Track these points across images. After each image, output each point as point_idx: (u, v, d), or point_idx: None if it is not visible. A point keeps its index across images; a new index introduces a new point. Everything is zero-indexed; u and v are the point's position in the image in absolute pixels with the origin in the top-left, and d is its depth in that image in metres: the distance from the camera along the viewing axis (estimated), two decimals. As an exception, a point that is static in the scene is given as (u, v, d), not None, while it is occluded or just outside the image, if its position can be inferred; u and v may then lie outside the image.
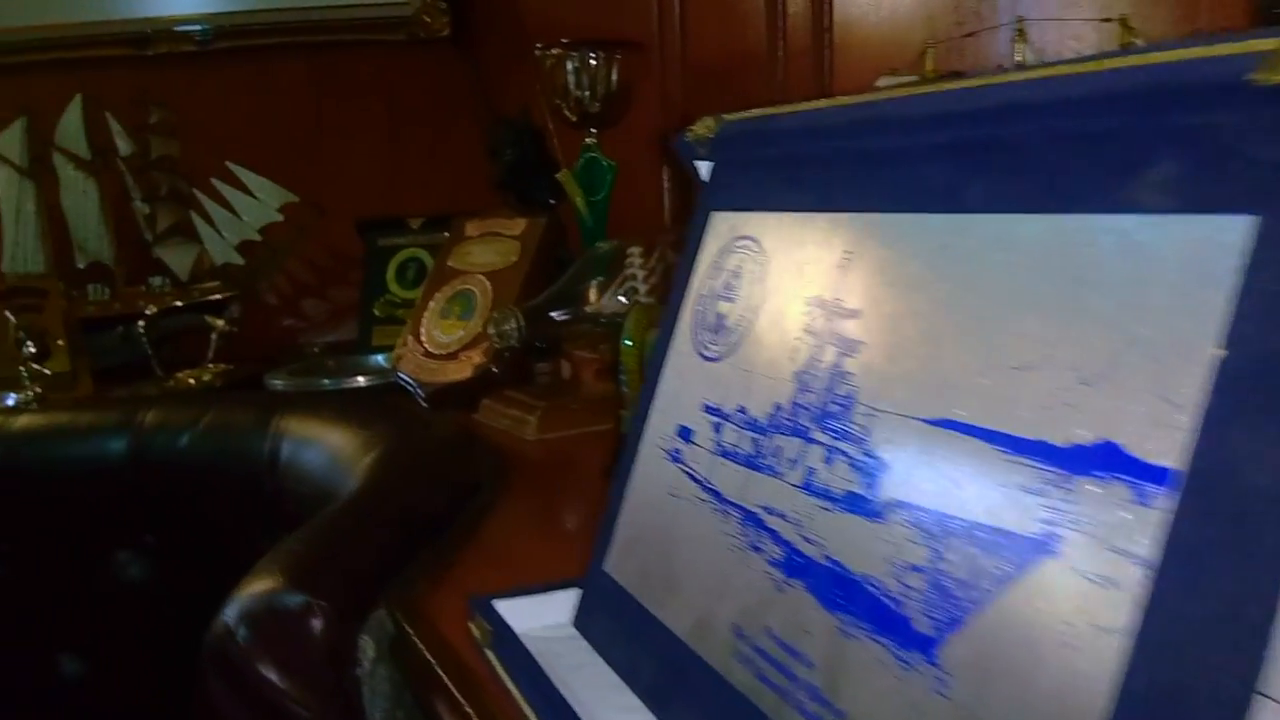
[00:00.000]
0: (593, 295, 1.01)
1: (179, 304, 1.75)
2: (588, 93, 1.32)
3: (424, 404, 1.26)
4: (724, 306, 0.57)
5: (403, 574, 0.77)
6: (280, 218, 1.80)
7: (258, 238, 1.80)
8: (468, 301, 1.31)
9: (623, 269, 1.01)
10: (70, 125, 1.80)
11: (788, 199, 0.56)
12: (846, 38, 1.27)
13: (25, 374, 1.50)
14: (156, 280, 1.80)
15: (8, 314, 1.57)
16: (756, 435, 0.51)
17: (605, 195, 1.29)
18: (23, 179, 1.81)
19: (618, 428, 0.93)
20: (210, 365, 1.60)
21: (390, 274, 1.74)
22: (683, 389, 0.59)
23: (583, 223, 1.31)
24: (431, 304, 1.35)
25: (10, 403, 1.48)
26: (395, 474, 0.91)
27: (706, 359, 0.57)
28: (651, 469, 0.59)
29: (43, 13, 2.03)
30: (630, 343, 0.88)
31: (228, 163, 1.80)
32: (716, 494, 0.53)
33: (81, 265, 1.84)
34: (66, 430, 1.19)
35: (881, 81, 1.05)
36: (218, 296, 1.78)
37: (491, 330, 0.99)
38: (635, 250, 1.01)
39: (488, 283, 1.30)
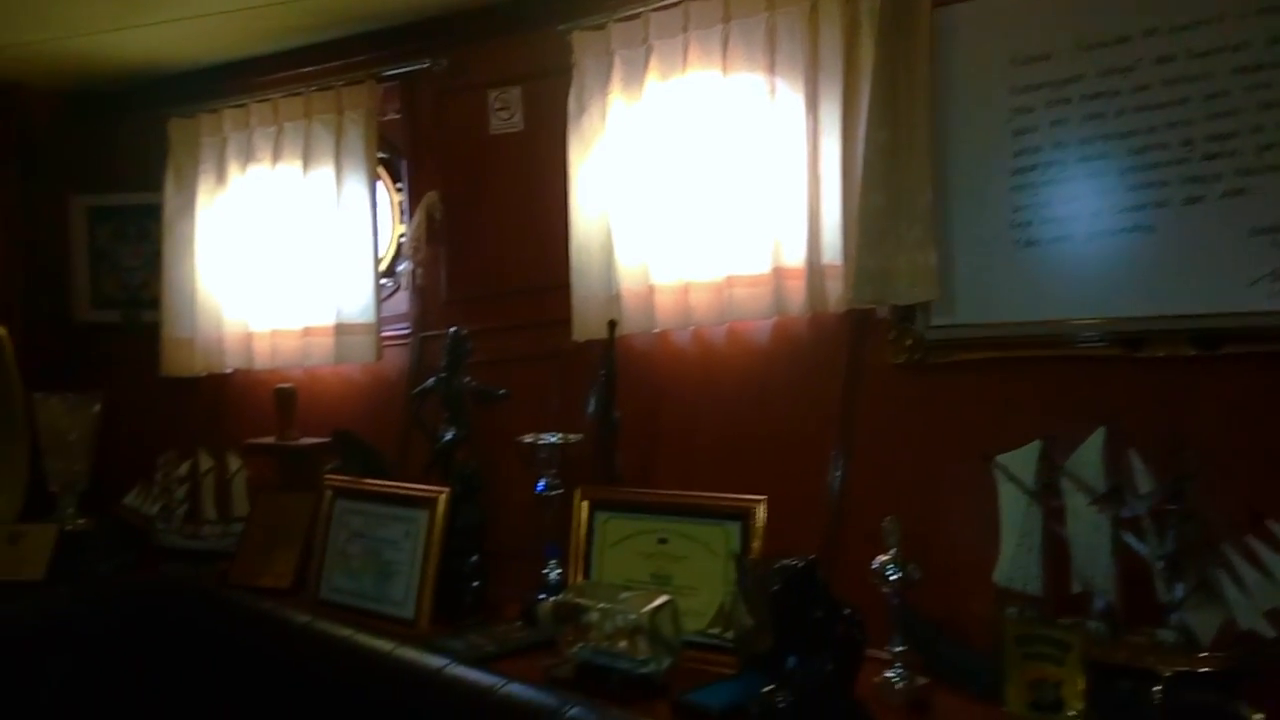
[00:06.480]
0: None
1: (1199, 670, 1.58)
2: None
3: None
4: None
5: None
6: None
7: (1297, 609, 1.55)
8: None
9: None
10: (1088, 456, 1.77)
11: None
12: None
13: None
14: (1167, 635, 1.66)
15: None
16: None
17: None
18: (1031, 501, 1.84)
19: None
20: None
21: None
22: None
23: None
24: None
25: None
26: None
27: None
28: None
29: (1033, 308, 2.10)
30: None
31: (1269, 522, 1.59)
32: None
33: (1076, 591, 1.80)
34: None
35: None
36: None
37: None
38: None
39: None
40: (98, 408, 3.19)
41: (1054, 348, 2.04)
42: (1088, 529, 1.76)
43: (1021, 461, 1.85)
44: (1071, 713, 1.53)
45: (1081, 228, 2.04)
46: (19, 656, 2.77)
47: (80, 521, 3.10)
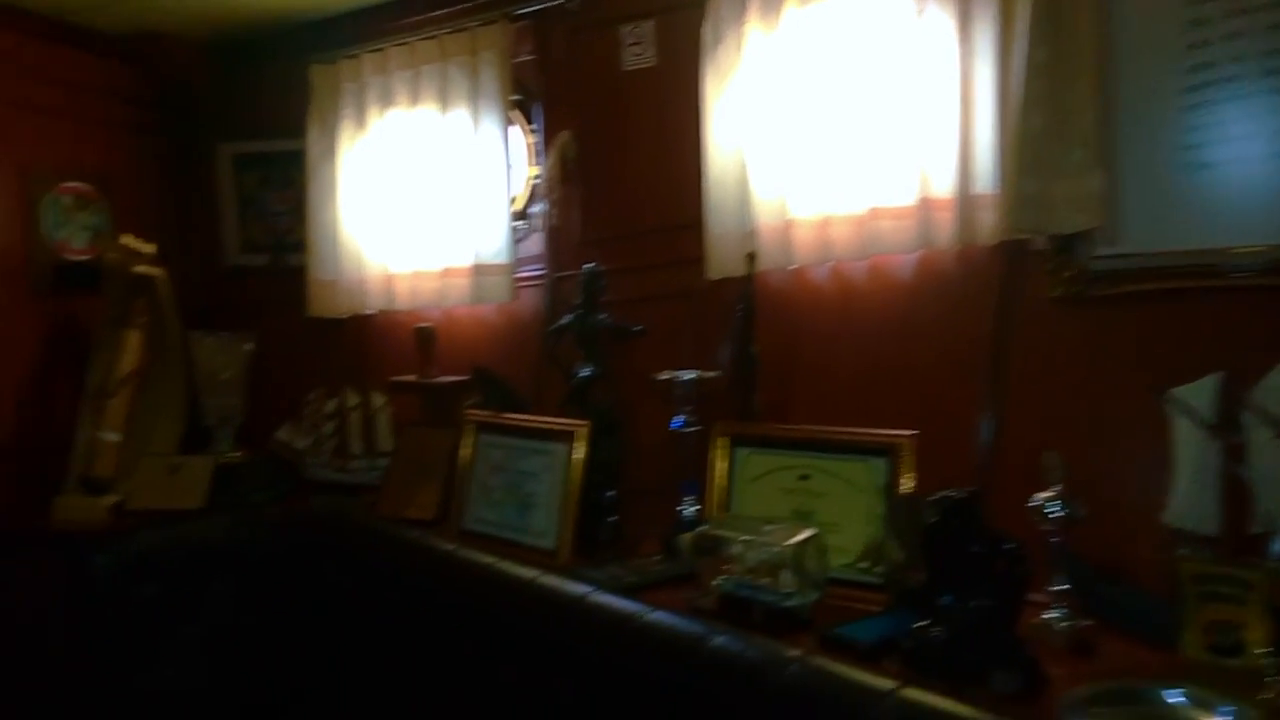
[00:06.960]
0: None
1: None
2: None
3: None
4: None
5: None
6: None
7: None
8: None
9: None
10: (1277, 388, 1.65)
11: None
12: None
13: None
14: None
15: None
16: None
17: None
18: (1208, 436, 1.73)
19: None
20: None
21: None
22: None
23: None
24: None
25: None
26: None
27: None
28: None
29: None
30: None
31: None
32: None
33: (1256, 531, 1.69)
34: None
35: None
36: None
37: None
38: None
39: None
40: (249, 346, 3.34)
41: (1231, 276, 1.90)
42: (1273, 464, 1.64)
43: (1198, 395, 1.73)
44: (1258, 651, 1.44)
45: (1261, 148, 1.88)
46: (183, 578, 2.94)
47: (235, 454, 3.28)
